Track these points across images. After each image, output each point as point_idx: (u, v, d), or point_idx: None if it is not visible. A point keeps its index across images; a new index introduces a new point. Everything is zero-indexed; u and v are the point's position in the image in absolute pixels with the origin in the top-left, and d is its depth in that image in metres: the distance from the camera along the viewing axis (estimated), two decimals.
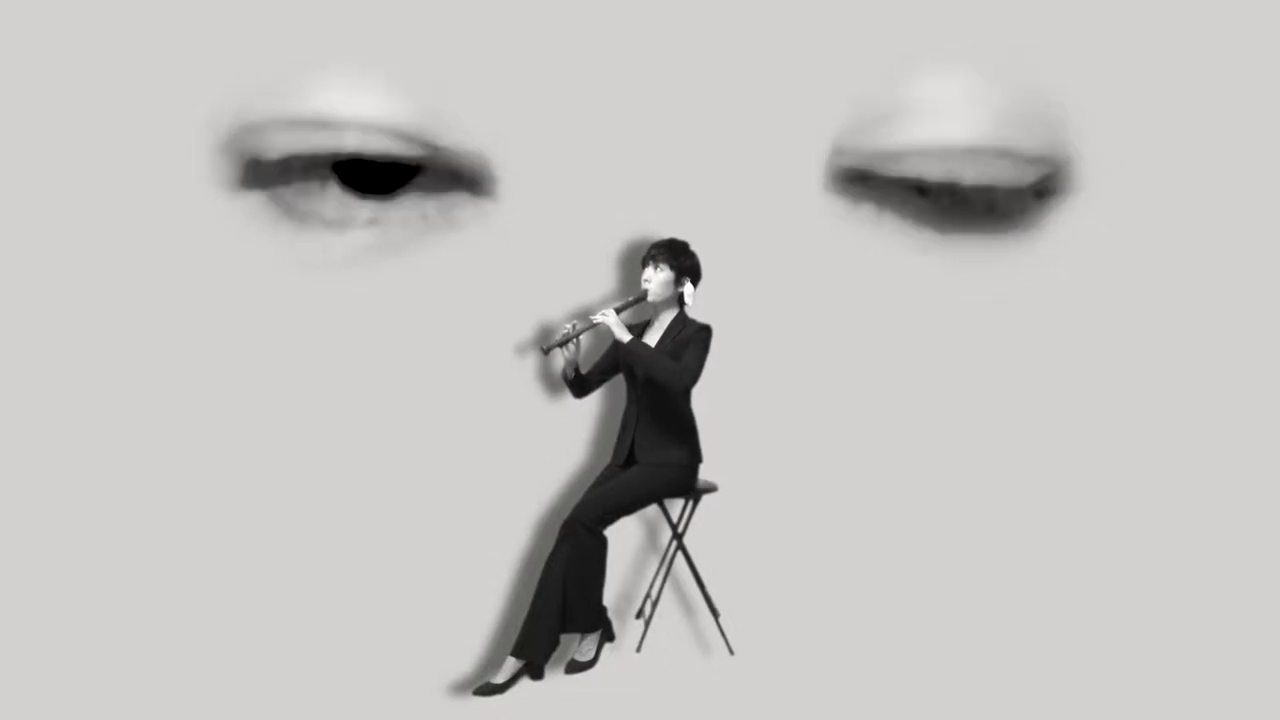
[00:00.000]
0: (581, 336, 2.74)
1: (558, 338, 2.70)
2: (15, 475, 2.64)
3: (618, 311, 2.69)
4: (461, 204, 2.69)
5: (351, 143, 2.57)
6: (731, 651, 2.81)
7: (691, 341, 2.68)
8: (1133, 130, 2.79)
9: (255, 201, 2.62)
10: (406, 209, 2.66)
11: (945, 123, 2.69)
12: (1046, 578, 2.84)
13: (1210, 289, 2.89)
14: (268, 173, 2.61)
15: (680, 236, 2.73)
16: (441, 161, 2.63)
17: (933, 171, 2.70)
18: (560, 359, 2.78)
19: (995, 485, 2.86)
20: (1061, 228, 2.81)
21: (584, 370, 2.82)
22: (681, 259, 2.71)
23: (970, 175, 2.70)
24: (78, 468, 2.65)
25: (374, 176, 2.64)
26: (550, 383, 2.85)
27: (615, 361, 2.80)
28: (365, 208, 2.65)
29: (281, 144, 2.57)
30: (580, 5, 2.64)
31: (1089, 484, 2.89)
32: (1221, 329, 2.90)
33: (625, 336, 2.67)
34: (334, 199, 2.63)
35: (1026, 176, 2.74)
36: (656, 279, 2.71)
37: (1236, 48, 2.80)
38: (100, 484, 2.65)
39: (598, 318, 2.67)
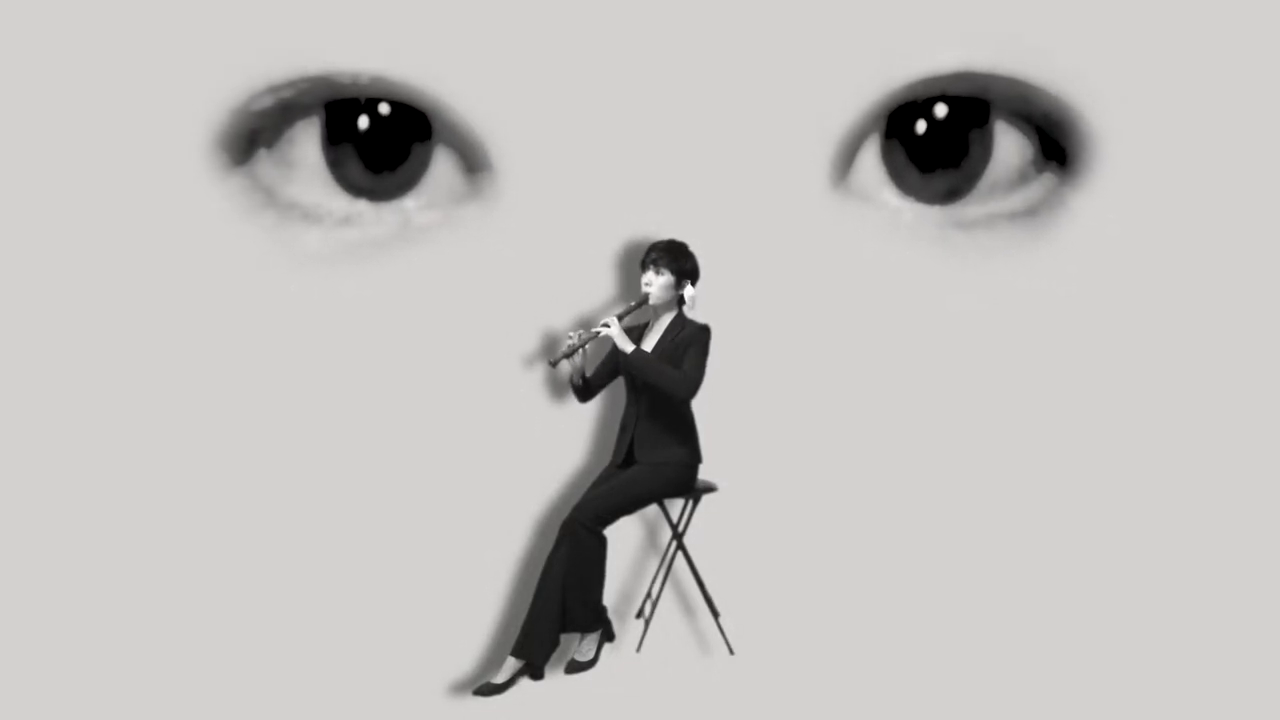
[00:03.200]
0: (586, 344, 2.71)
1: (563, 350, 2.68)
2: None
3: (620, 318, 2.67)
4: (457, 190, 2.67)
5: (348, 81, 2.54)
6: (731, 651, 2.81)
7: (691, 344, 2.67)
8: (1155, 117, 2.74)
9: (239, 184, 2.59)
10: (399, 186, 2.64)
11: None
12: (1050, 580, 2.83)
13: (1236, 289, 2.85)
14: (260, 123, 2.56)
15: (680, 235, 2.71)
16: (442, 122, 2.60)
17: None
18: (567, 367, 2.76)
19: (997, 486, 2.84)
20: (1075, 224, 2.77)
21: (588, 374, 2.81)
22: (682, 261, 2.68)
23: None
24: (64, 466, 2.64)
25: (368, 141, 2.61)
26: (550, 383, 2.84)
27: (617, 365, 2.78)
28: (352, 185, 2.62)
29: (277, 96, 2.54)
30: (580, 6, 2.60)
31: (1094, 488, 2.87)
32: (1246, 331, 2.87)
33: (629, 347, 2.66)
34: (319, 176, 2.61)
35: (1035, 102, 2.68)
36: (657, 283, 2.68)
37: (1265, 34, 2.75)
38: (94, 484, 2.65)
39: (600, 328, 2.65)
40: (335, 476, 2.69)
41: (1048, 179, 2.75)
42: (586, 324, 2.81)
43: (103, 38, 2.53)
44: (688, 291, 2.71)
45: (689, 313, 2.75)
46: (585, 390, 2.81)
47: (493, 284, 2.72)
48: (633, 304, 2.72)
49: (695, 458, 2.77)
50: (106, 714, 2.50)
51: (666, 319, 2.77)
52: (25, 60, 2.53)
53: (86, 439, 2.64)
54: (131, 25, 2.53)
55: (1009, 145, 2.74)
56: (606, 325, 2.68)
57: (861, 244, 2.77)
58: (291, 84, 2.54)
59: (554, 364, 2.70)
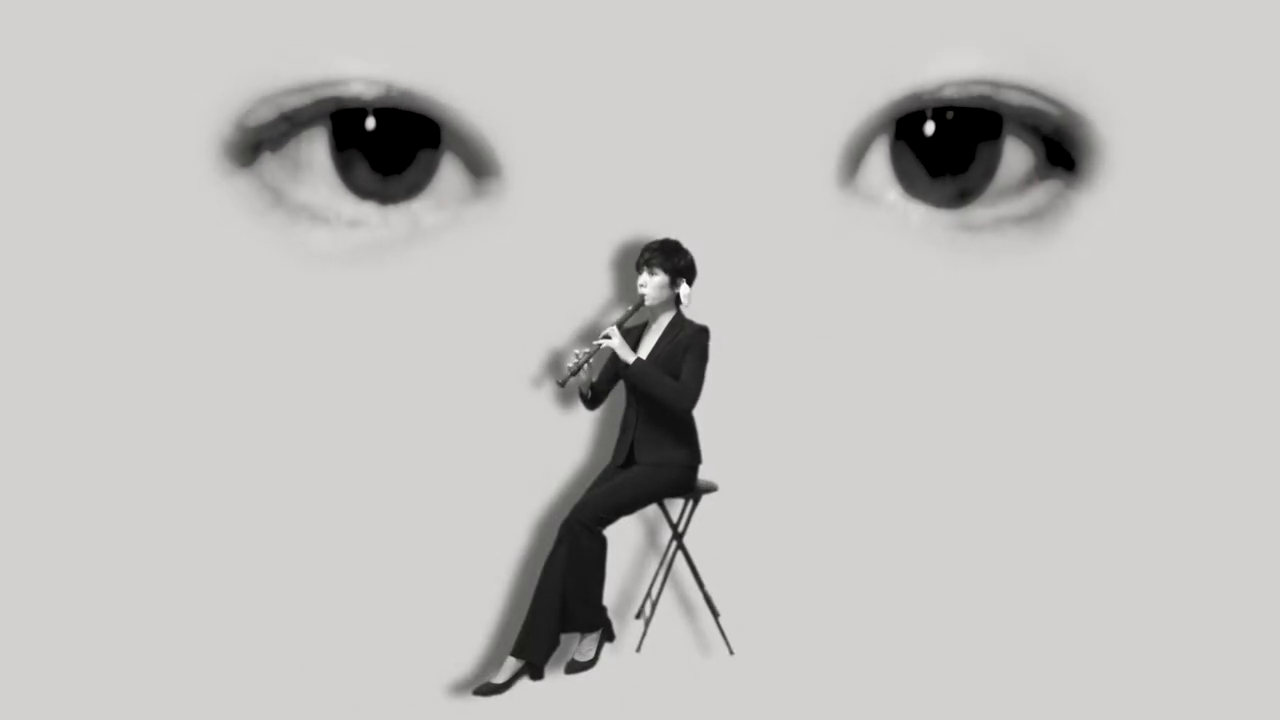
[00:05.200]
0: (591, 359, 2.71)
1: (570, 368, 2.67)
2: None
3: (620, 325, 2.68)
4: (464, 193, 2.68)
5: (355, 89, 2.54)
6: (731, 651, 2.81)
7: (689, 349, 2.68)
8: (1163, 121, 2.73)
9: (246, 184, 2.60)
10: (406, 190, 2.66)
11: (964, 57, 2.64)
12: (1050, 580, 2.82)
13: (1245, 291, 2.83)
14: (264, 135, 2.58)
15: (689, 236, 2.71)
16: (448, 124, 2.61)
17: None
18: (574, 382, 2.76)
19: (999, 488, 2.83)
20: (1081, 225, 2.76)
21: (594, 380, 2.81)
22: (676, 260, 2.69)
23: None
24: (63, 465, 2.65)
25: (376, 146, 2.62)
26: (550, 383, 2.83)
27: (619, 370, 2.78)
28: (360, 187, 2.64)
29: (282, 104, 2.55)
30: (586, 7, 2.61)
31: (1098, 491, 2.85)
32: (1256, 333, 2.85)
33: (630, 358, 2.67)
34: (327, 179, 2.63)
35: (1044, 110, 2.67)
36: (652, 283, 2.69)
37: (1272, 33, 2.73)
38: (101, 483, 2.65)
39: (601, 340, 2.65)
40: (336, 477, 2.69)
41: (1055, 183, 2.74)
42: (588, 336, 2.81)
43: (107, 47, 2.54)
44: (683, 290, 2.71)
45: (687, 312, 2.76)
46: (593, 399, 2.82)
47: (497, 284, 2.72)
48: (630, 308, 2.72)
49: (695, 458, 2.77)
50: (106, 714, 2.53)
51: (665, 319, 2.77)
52: (30, 66, 2.57)
53: (95, 435, 2.65)
54: (133, 38, 2.54)
55: (1017, 150, 2.74)
56: (608, 337, 2.68)
57: (868, 246, 2.77)
58: (294, 91, 2.56)
59: (563, 384, 2.70)
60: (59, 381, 2.64)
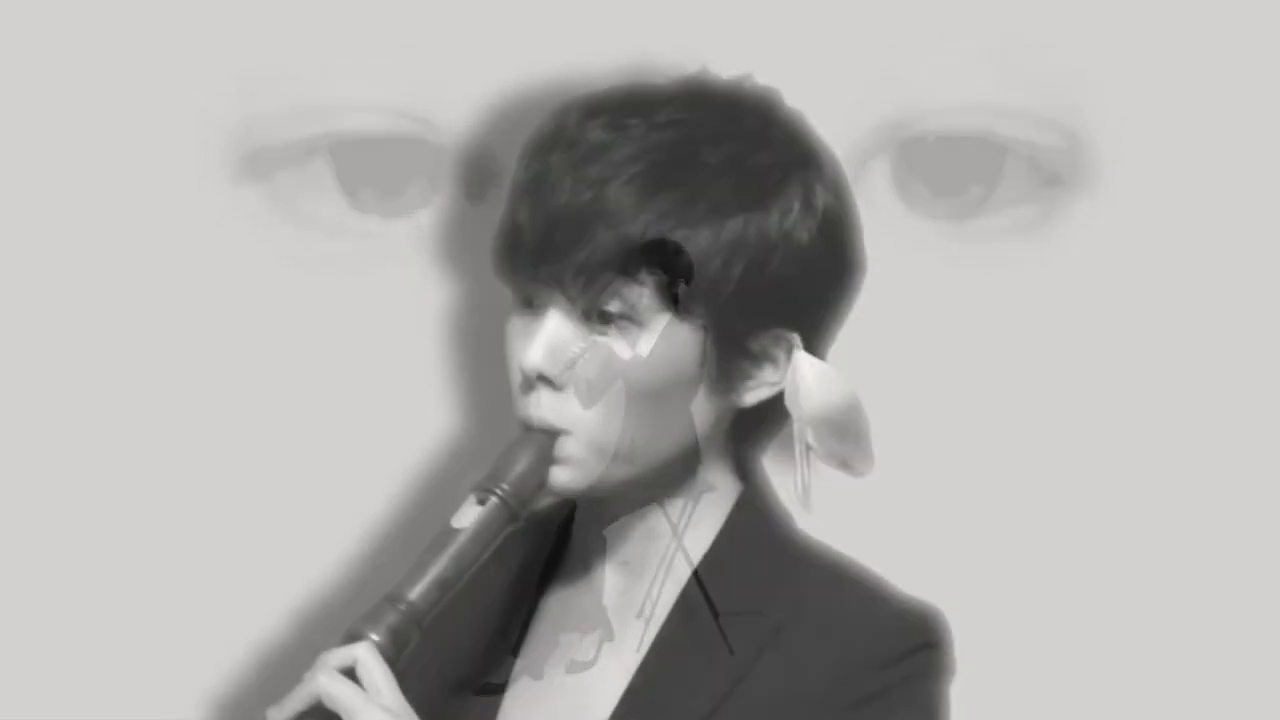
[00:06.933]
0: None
1: (567, 365, 2.67)
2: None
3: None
4: (465, 200, 2.72)
5: (353, 122, 2.58)
6: (732, 651, 2.79)
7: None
8: (1159, 129, 2.77)
9: (254, 196, 2.65)
10: (409, 204, 2.69)
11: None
12: (1050, 580, 2.83)
13: (1239, 293, 2.85)
14: (268, 158, 2.62)
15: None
16: (450, 149, 2.67)
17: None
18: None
19: (996, 487, 2.85)
20: (1074, 226, 2.78)
21: None
22: (678, 260, 2.69)
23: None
24: (62, 465, 2.70)
25: (377, 170, 2.65)
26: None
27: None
28: (364, 203, 2.67)
29: (284, 132, 2.59)
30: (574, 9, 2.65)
31: (1095, 492, 2.89)
32: (1249, 337, 2.86)
33: (628, 354, 2.66)
34: (334, 194, 2.66)
35: (1044, 139, 2.69)
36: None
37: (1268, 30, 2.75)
38: (107, 484, 2.70)
39: (598, 338, 2.66)
40: (335, 477, 2.75)
41: (1051, 194, 2.77)
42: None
43: (104, 61, 2.62)
44: (683, 290, 2.72)
45: None
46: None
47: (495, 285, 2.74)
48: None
49: (695, 457, 2.76)
50: (97, 714, 2.52)
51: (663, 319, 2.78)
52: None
53: (78, 438, 2.72)
54: (137, 65, 2.64)
55: (1015, 165, 2.77)
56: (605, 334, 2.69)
57: (866, 254, 2.78)
58: (295, 120, 2.62)
59: (561, 384, 2.70)
60: (62, 382, 2.67)
